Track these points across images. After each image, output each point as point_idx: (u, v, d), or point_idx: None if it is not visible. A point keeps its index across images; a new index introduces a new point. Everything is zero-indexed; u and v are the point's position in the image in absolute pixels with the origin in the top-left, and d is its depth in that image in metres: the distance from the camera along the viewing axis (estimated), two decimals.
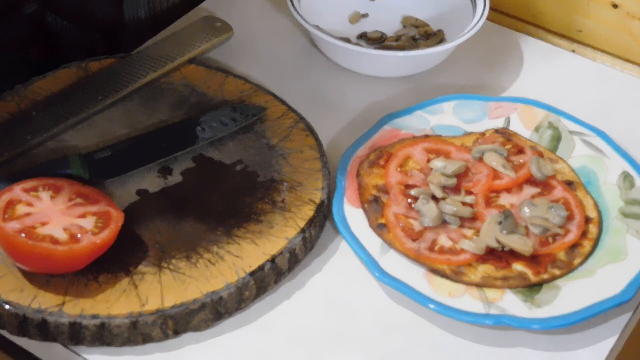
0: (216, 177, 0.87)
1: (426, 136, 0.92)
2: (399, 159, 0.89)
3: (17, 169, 0.86)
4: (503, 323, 0.76)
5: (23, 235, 0.75)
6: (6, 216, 0.77)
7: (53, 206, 0.79)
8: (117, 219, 0.79)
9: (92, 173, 0.85)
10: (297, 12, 1.00)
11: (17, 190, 0.79)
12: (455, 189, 0.86)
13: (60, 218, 0.78)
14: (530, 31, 1.11)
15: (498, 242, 0.81)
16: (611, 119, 0.98)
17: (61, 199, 0.80)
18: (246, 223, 0.82)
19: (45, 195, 0.80)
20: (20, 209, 0.78)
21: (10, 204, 0.78)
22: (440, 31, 1.06)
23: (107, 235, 0.77)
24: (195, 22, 1.05)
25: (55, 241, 0.76)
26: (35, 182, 0.80)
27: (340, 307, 0.80)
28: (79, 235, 0.77)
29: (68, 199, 0.80)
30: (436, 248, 0.81)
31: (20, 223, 0.76)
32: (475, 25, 1.00)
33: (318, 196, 0.85)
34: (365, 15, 1.11)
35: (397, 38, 1.06)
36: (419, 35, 1.06)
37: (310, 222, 0.83)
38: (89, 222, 0.78)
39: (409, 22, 1.09)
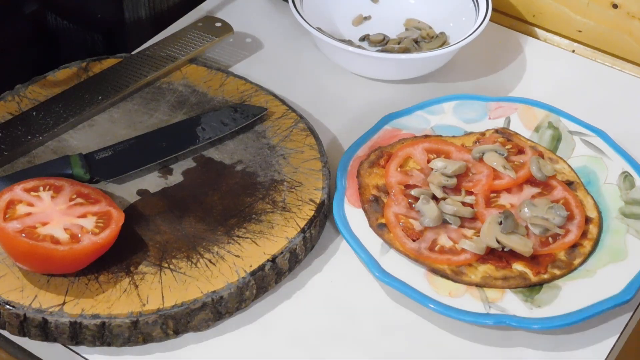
0: (217, 177, 0.87)
1: (426, 136, 0.92)
2: (399, 159, 0.89)
3: (17, 169, 0.86)
4: (503, 323, 0.76)
5: (24, 235, 0.75)
6: (7, 216, 0.77)
7: (54, 206, 0.79)
8: (118, 218, 0.79)
9: (92, 173, 0.85)
10: (300, 14, 1.00)
11: (17, 190, 0.79)
12: (456, 189, 0.87)
13: (61, 218, 0.78)
14: (530, 31, 1.12)
15: (498, 242, 0.81)
16: (611, 119, 0.98)
17: (62, 199, 0.80)
18: (246, 223, 0.82)
19: (45, 195, 0.80)
20: (21, 209, 0.78)
21: (11, 204, 0.78)
22: (442, 34, 1.06)
23: (108, 235, 0.77)
24: (195, 22, 1.05)
25: (55, 241, 0.76)
26: (35, 182, 0.80)
27: (340, 307, 0.80)
28: (79, 235, 0.77)
29: (69, 198, 0.80)
30: (436, 248, 0.81)
31: (21, 223, 0.76)
32: (477, 28, 1.00)
33: (318, 196, 0.85)
34: (368, 18, 1.11)
35: (400, 41, 1.06)
36: (422, 38, 1.06)
37: (311, 222, 0.83)
38: (89, 222, 0.78)
39: (412, 25, 1.08)
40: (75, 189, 0.81)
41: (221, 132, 0.90)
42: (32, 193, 0.79)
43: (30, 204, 0.78)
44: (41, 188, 0.80)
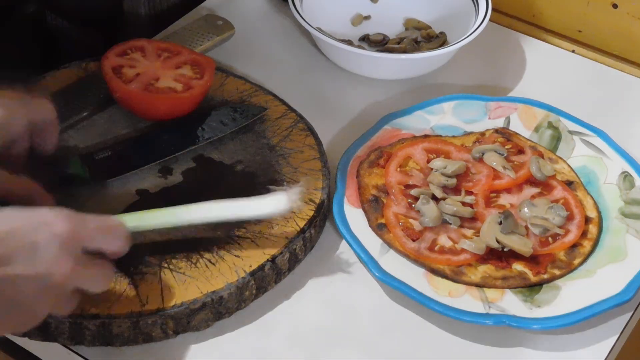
0: (216, 177, 0.87)
1: (426, 136, 0.92)
2: (399, 159, 0.89)
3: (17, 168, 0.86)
4: (503, 323, 0.76)
5: (149, 92, 0.87)
6: (123, 79, 0.88)
7: (150, 63, 0.90)
8: (209, 63, 0.91)
9: (92, 173, 0.85)
10: (299, 13, 1.00)
11: (113, 57, 0.89)
12: (455, 189, 0.87)
13: (165, 72, 0.88)
14: (530, 31, 1.12)
15: (498, 242, 0.81)
16: (611, 119, 0.98)
17: (151, 56, 0.88)
18: (246, 223, 0.82)
19: (137, 56, 0.90)
20: (128, 71, 0.88)
21: (117, 69, 0.87)
22: (442, 34, 1.06)
23: (209, 78, 0.90)
24: (196, 20, 1.05)
25: (174, 91, 0.88)
26: (120, 47, 0.91)
27: (340, 307, 0.80)
28: (189, 82, 0.89)
29: (156, 55, 0.89)
30: (436, 248, 0.81)
31: (140, 83, 0.88)
32: (477, 28, 1.00)
33: (318, 196, 0.85)
34: (367, 18, 1.11)
35: (400, 40, 1.06)
36: (422, 37, 1.06)
37: (311, 222, 0.83)
38: (188, 70, 0.91)
39: (412, 25, 1.08)
40: (155, 45, 0.91)
41: (221, 132, 0.90)
42: (125, 56, 0.90)
43: (132, 66, 0.89)
44: (129, 51, 0.90)
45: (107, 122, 0.92)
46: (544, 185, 0.87)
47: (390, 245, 0.82)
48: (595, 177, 0.89)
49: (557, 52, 1.09)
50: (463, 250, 0.81)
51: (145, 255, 0.79)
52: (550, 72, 1.06)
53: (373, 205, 0.85)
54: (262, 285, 0.79)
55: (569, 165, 0.90)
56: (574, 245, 0.83)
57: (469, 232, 0.83)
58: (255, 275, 0.78)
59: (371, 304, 0.81)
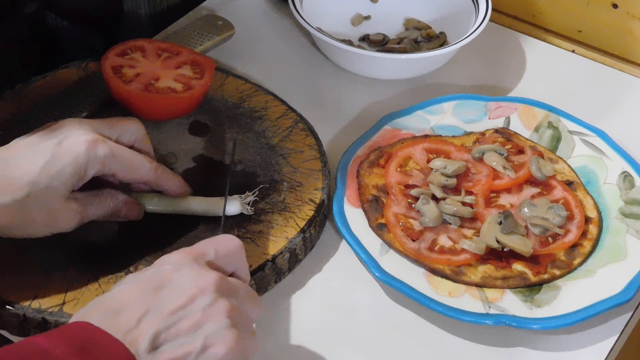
0: (216, 177, 0.87)
1: (426, 136, 0.92)
2: (399, 159, 0.89)
3: None
4: (503, 323, 0.76)
5: (149, 92, 0.88)
6: (123, 79, 0.88)
7: (151, 63, 0.91)
8: (208, 63, 0.91)
9: None
10: (299, 14, 1.00)
11: (112, 58, 0.90)
12: (455, 189, 0.87)
13: (165, 72, 0.90)
14: (530, 31, 1.12)
15: (498, 242, 0.81)
16: (611, 119, 0.98)
17: (151, 56, 0.89)
18: (246, 223, 0.82)
19: (137, 56, 0.91)
20: (128, 71, 0.89)
21: (117, 69, 0.87)
22: (442, 34, 1.06)
23: (209, 78, 0.90)
24: (196, 20, 1.05)
25: (174, 91, 0.89)
26: (120, 47, 0.92)
27: (340, 307, 0.80)
28: (189, 82, 0.89)
29: (156, 55, 0.90)
30: (436, 248, 0.81)
31: (140, 83, 0.88)
32: (477, 27, 1.00)
33: (318, 196, 0.85)
34: (367, 18, 1.11)
35: (400, 40, 1.06)
36: (422, 37, 1.06)
37: (311, 222, 0.83)
38: (187, 70, 0.91)
39: (412, 25, 1.08)
40: (155, 45, 0.92)
41: None
42: (126, 56, 0.91)
43: (132, 66, 0.90)
44: (129, 51, 0.90)
45: None
46: (544, 185, 0.87)
47: (390, 245, 0.82)
48: (595, 177, 0.89)
49: (557, 52, 1.09)
50: (463, 250, 0.81)
51: (146, 254, 0.79)
52: (550, 72, 1.06)
53: (373, 205, 0.85)
54: (262, 285, 0.79)
55: (569, 165, 0.90)
56: (574, 245, 0.83)
57: (469, 232, 0.83)
58: (255, 275, 0.78)
59: (371, 304, 0.81)
